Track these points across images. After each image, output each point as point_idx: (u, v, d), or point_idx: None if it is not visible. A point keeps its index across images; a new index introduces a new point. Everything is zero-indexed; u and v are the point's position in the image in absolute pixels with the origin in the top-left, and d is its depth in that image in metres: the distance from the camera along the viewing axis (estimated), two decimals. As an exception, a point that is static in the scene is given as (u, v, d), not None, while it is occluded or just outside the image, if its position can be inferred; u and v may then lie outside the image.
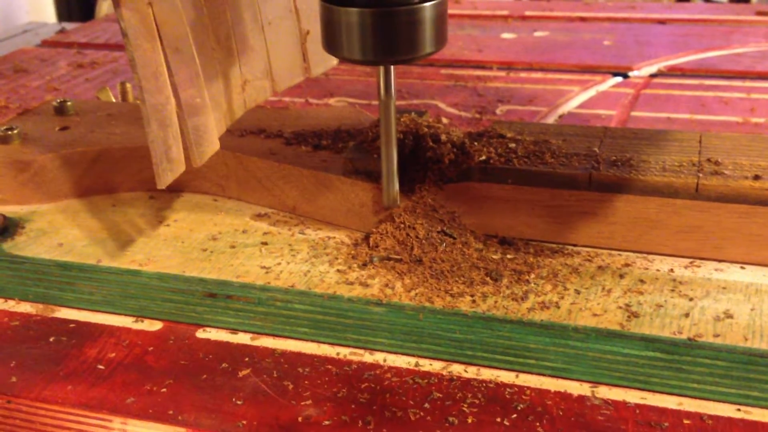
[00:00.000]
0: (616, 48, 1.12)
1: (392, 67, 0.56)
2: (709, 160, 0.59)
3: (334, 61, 0.68)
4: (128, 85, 0.85)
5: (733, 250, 0.57)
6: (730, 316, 0.52)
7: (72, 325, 0.54)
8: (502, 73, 1.04)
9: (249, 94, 0.60)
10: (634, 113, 0.89)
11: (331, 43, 0.54)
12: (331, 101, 0.96)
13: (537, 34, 1.21)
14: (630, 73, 1.02)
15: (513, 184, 0.60)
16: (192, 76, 0.54)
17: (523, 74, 1.04)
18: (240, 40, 0.59)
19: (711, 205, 0.56)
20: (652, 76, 1.02)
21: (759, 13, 1.27)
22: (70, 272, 0.60)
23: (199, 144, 0.55)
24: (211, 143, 0.56)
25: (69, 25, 1.41)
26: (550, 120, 0.88)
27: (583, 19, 1.28)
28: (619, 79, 1.01)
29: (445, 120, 0.86)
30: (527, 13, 1.32)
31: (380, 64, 0.55)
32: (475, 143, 0.63)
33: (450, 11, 1.34)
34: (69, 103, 0.77)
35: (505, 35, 1.20)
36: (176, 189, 0.71)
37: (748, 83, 0.97)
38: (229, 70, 0.58)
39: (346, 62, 0.56)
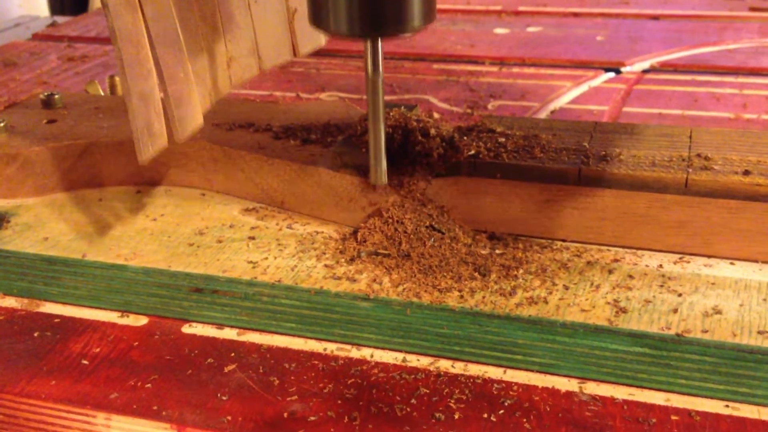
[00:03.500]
0: (608, 43, 1.11)
1: (380, 42, 0.55)
2: (698, 155, 0.59)
3: (322, 40, 0.67)
4: (117, 79, 0.84)
5: (722, 246, 0.57)
6: (719, 312, 0.51)
7: (57, 320, 0.54)
8: (495, 68, 1.03)
9: (235, 71, 0.59)
10: (626, 109, 0.89)
11: (317, 17, 0.53)
12: (322, 96, 0.95)
13: (530, 29, 1.20)
14: (622, 69, 1.02)
15: (502, 178, 0.59)
16: (175, 51, 0.53)
17: (515, 69, 1.03)
18: (226, 16, 0.58)
19: (700, 201, 0.56)
20: (645, 71, 1.02)
21: (752, 9, 1.26)
22: (55, 266, 0.59)
23: (181, 119, 0.54)
24: (193, 119, 0.55)
25: (61, 19, 1.40)
26: (542, 115, 0.87)
27: (576, 15, 1.27)
28: (612, 74, 1.01)
29: (436, 115, 0.86)
30: (520, 8, 1.32)
31: (367, 38, 0.54)
32: (465, 138, 0.62)
33: (443, 6, 1.34)
34: (56, 96, 0.76)
35: (498, 30, 1.20)
36: (163, 183, 0.71)
37: (741, 79, 0.97)
38: (214, 46, 0.57)
39: (333, 36, 0.55)
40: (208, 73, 0.57)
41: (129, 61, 0.52)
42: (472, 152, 0.60)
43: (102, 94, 0.83)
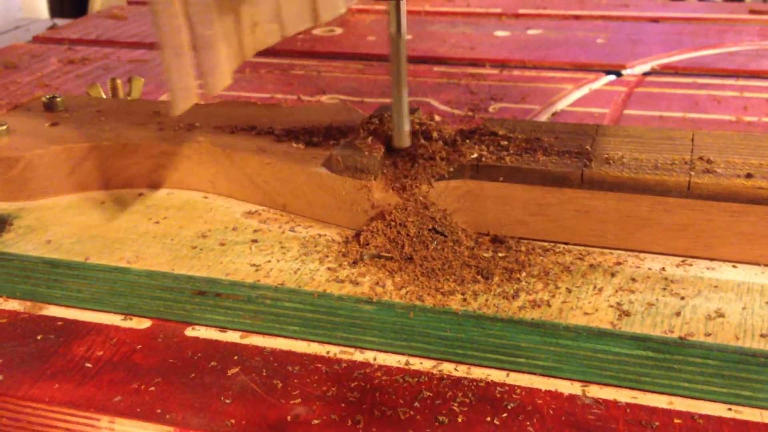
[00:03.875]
0: (609, 46, 1.12)
1: (403, 2, 0.56)
2: (701, 158, 0.59)
3: (343, 8, 0.69)
4: (118, 82, 0.84)
5: (724, 249, 0.57)
6: (722, 315, 0.51)
7: (60, 323, 0.54)
8: (495, 71, 1.03)
9: (258, 35, 0.62)
10: (626, 111, 0.89)
11: None
12: (324, 98, 0.96)
13: (530, 31, 1.20)
14: (623, 72, 1.02)
15: (505, 181, 0.59)
16: (205, 9, 0.55)
17: (516, 72, 1.04)
18: None
19: (703, 204, 0.56)
20: (645, 74, 1.02)
21: (752, 12, 1.26)
22: (58, 269, 0.59)
23: (211, 74, 0.56)
24: (222, 76, 0.57)
25: (61, 21, 1.40)
26: (543, 118, 0.87)
27: (576, 17, 1.27)
28: (612, 77, 1.01)
29: (437, 117, 0.86)
30: (521, 10, 1.32)
31: None
32: (467, 141, 0.62)
33: (443, 9, 1.34)
34: (58, 99, 0.76)
35: (499, 33, 1.20)
36: (166, 186, 0.71)
37: (741, 82, 0.97)
38: (239, 8, 0.60)
39: None
40: (235, 34, 0.59)
41: (162, 17, 0.54)
42: (475, 155, 0.60)
43: (104, 96, 0.83)
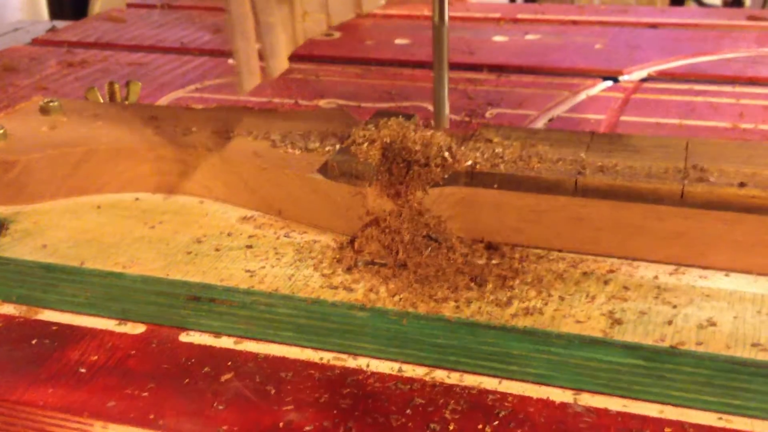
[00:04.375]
0: (607, 52, 1.12)
1: None
2: (694, 166, 0.59)
3: (382, 0, 0.73)
4: (116, 86, 0.84)
5: (717, 258, 0.57)
6: (714, 324, 0.52)
7: (54, 328, 0.54)
8: (493, 76, 1.03)
9: (308, 24, 0.71)
10: (623, 118, 0.89)
11: None
12: (321, 102, 0.96)
13: (528, 37, 1.21)
14: (620, 78, 1.02)
15: (499, 188, 0.60)
16: None
17: (513, 77, 1.04)
18: None
19: (696, 212, 0.56)
20: (643, 80, 1.02)
21: (750, 18, 1.27)
22: (54, 274, 0.60)
23: (272, 57, 0.62)
24: (281, 60, 0.63)
25: (61, 24, 1.40)
26: (540, 124, 0.88)
27: (575, 23, 1.28)
28: (610, 83, 1.01)
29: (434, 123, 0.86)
30: (519, 15, 1.32)
31: None
32: (462, 148, 0.63)
33: (442, 13, 1.34)
34: (55, 103, 0.76)
35: (497, 38, 1.20)
36: (162, 191, 0.71)
37: (738, 88, 0.97)
38: None
39: None
40: (290, 22, 0.65)
41: (232, 4, 0.61)
42: (469, 162, 0.61)
43: (101, 101, 0.83)
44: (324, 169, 0.63)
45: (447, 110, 0.73)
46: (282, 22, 0.64)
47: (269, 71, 0.63)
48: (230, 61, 1.14)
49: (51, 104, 0.76)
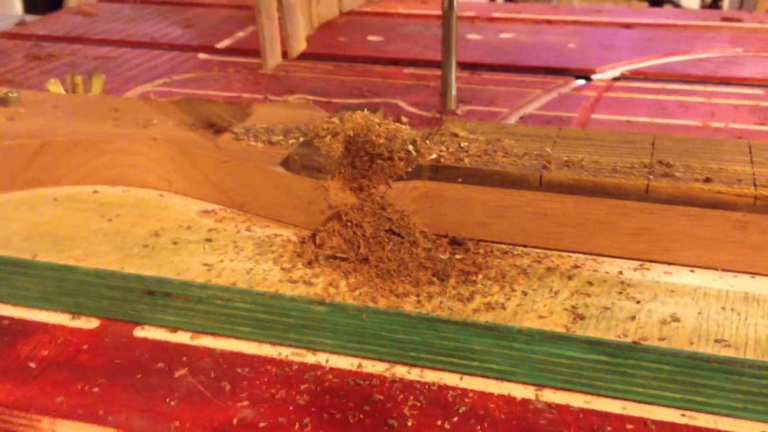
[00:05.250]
0: (580, 51, 1.11)
1: None
2: (660, 162, 0.59)
3: None
4: (78, 78, 0.83)
5: (682, 253, 0.56)
6: (677, 320, 0.51)
7: (6, 322, 0.53)
8: (465, 74, 1.03)
9: (321, 9, 0.75)
10: (594, 116, 0.88)
11: None
12: (291, 98, 0.95)
13: (503, 35, 1.20)
14: (593, 76, 1.02)
15: (463, 183, 0.59)
16: None
17: (486, 75, 1.03)
18: None
19: (661, 207, 0.55)
20: (615, 79, 1.01)
21: (724, 19, 1.27)
22: (5, 266, 0.58)
23: (293, 38, 0.66)
24: (300, 41, 0.67)
25: (31, 18, 1.38)
26: (511, 121, 0.87)
27: (549, 22, 1.27)
28: (582, 81, 1.01)
29: (404, 119, 0.85)
30: (494, 14, 1.32)
31: None
32: (427, 141, 0.62)
33: (416, 11, 1.33)
34: (15, 94, 0.75)
35: (471, 36, 1.20)
36: (121, 184, 0.69)
37: (710, 88, 0.97)
38: None
39: None
40: (307, 5, 0.72)
41: None
42: (434, 156, 0.60)
43: (63, 92, 0.82)
44: (286, 163, 0.62)
45: (454, 92, 0.80)
46: (300, 5, 0.68)
47: (290, 51, 0.67)
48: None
49: (10, 95, 0.74)
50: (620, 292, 0.54)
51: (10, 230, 0.63)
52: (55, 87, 0.81)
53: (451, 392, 0.46)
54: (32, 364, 0.48)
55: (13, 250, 0.60)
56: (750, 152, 0.60)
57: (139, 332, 0.51)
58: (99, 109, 0.74)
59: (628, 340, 0.49)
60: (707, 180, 0.56)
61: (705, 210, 0.55)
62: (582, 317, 0.51)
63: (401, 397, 0.45)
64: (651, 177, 0.56)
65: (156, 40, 1.18)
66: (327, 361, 0.48)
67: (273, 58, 0.65)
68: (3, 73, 1.04)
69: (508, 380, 0.47)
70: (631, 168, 0.58)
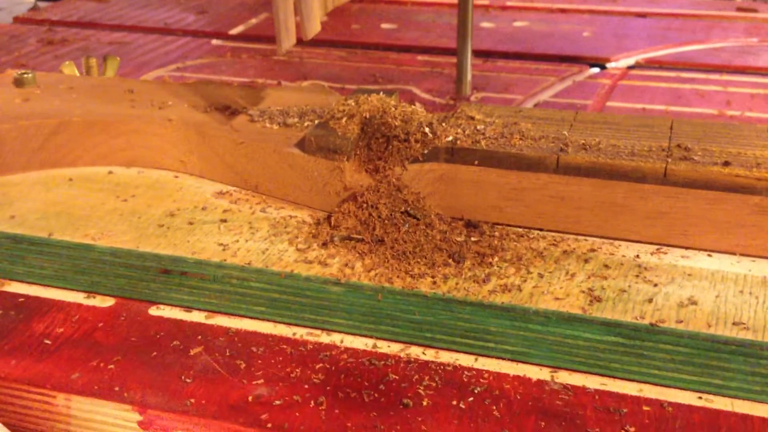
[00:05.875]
0: (595, 39, 1.11)
1: None
2: (679, 145, 0.58)
3: None
4: (93, 60, 0.83)
5: (700, 238, 0.56)
6: (695, 303, 0.51)
7: (21, 300, 0.53)
8: (479, 61, 1.02)
9: None
10: (609, 103, 0.88)
11: None
12: (304, 84, 0.94)
13: (516, 23, 1.20)
14: (608, 65, 1.01)
15: (479, 165, 0.58)
16: None
17: (500, 63, 1.03)
18: None
19: (679, 191, 0.55)
20: (630, 67, 1.01)
21: (740, 9, 1.26)
22: (21, 245, 0.58)
23: (308, 20, 0.65)
24: (315, 22, 0.66)
25: (44, 3, 1.38)
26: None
27: (563, 11, 1.27)
28: (597, 69, 1.00)
29: (417, 104, 0.85)
30: (508, 3, 1.31)
31: None
32: (443, 124, 0.61)
33: (430, 0, 1.33)
34: (29, 75, 0.75)
35: (485, 24, 1.19)
36: (137, 165, 0.69)
37: (726, 77, 0.96)
38: None
39: None
40: None
41: None
42: (450, 138, 0.59)
43: (77, 74, 0.82)
44: (301, 144, 0.62)
45: (469, 77, 0.81)
46: None
47: (304, 32, 0.66)
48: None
49: (25, 76, 0.74)
50: (637, 275, 0.53)
51: (25, 209, 0.63)
52: (69, 69, 0.81)
53: (466, 373, 0.46)
54: (48, 341, 0.49)
55: (28, 229, 0.60)
56: (769, 137, 0.60)
57: (155, 311, 0.51)
58: (114, 91, 0.74)
59: (645, 322, 0.49)
60: (726, 164, 0.55)
61: (723, 194, 0.54)
62: (599, 299, 0.51)
63: (416, 377, 0.45)
64: (669, 160, 0.56)
65: (169, 26, 1.18)
66: (342, 342, 0.48)
67: (288, 40, 0.65)
68: (17, 57, 1.04)
69: (524, 362, 0.46)
70: (649, 151, 0.57)
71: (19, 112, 0.69)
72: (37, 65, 1.00)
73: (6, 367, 0.46)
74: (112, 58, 0.84)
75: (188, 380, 0.45)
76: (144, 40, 1.12)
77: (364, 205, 0.58)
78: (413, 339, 0.48)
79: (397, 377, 0.45)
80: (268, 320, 0.50)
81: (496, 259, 0.55)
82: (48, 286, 0.54)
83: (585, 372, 0.45)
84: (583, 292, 0.52)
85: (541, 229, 0.59)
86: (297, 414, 0.43)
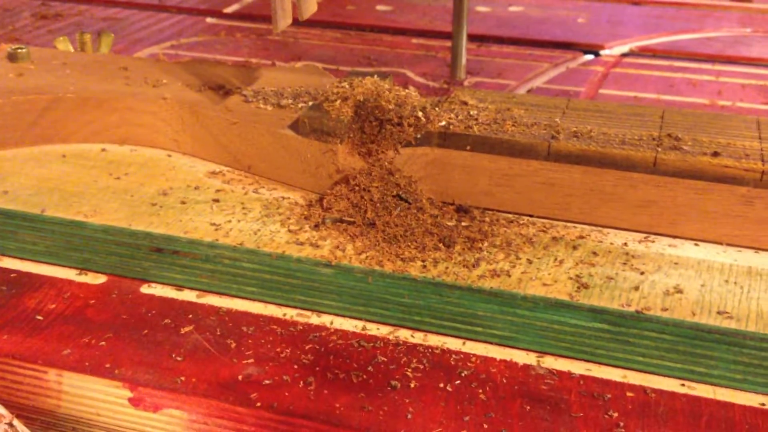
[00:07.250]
0: (589, 26, 1.11)
1: None
2: (669, 135, 0.59)
3: None
4: (87, 36, 0.82)
5: (688, 227, 0.57)
6: (680, 291, 0.51)
7: (13, 275, 0.53)
8: (473, 46, 1.02)
9: None
10: (602, 91, 0.88)
11: None
12: (299, 65, 0.94)
13: (512, 8, 1.20)
14: (601, 52, 1.02)
15: (471, 150, 0.59)
16: None
17: (494, 47, 1.03)
18: None
19: (668, 180, 0.56)
20: (623, 55, 1.01)
21: (734, -1, 1.26)
22: (14, 220, 0.58)
23: (304, 0, 0.65)
24: (311, 2, 0.66)
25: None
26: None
27: (558, -3, 1.27)
28: (590, 56, 1.00)
29: (411, 88, 0.85)
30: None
31: None
32: (437, 108, 0.62)
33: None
34: (23, 50, 0.75)
35: (480, 8, 1.19)
36: (129, 143, 0.69)
37: (718, 66, 0.97)
38: None
39: None
40: None
41: None
42: (443, 123, 0.60)
43: (71, 50, 0.81)
44: (295, 126, 0.62)
45: (464, 60, 0.81)
46: None
47: (300, 12, 0.66)
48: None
49: (19, 51, 0.74)
50: (624, 263, 0.54)
51: (18, 184, 0.63)
52: (63, 44, 0.80)
53: (453, 356, 0.46)
54: (39, 317, 0.49)
55: (21, 205, 0.60)
56: (758, 128, 0.60)
57: (146, 289, 0.52)
58: (109, 68, 0.74)
59: (631, 309, 0.50)
60: (715, 154, 0.56)
61: (712, 184, 0.55)
62: (586, 286, 0.52)
63: (404, 359, 0.46)
64: (659, 150, 0.56)
65: (163, 3, 1.18)
66: (332, 323, 0.49)
67: (284, 19, 0.64)
68: (10, 31, 1.03)
69: (511, 346, 0.47)
70: (639, 140, 0.58)
71: (12, 87, 0.69)
72: (31, 39, 1.00)
73: (-3, 342, 0.47)
74: (106, 34, 0.84)
75: (179, 358, 0.46)
76: (138, 17, 1.12)
77: (357, 188, 0.58)
78: (402, 322, 0.49)
79: (385, 359, 0.46)
80: (259, 300, 0.51)
81: (485, 244, 0.56)
82: (40, 262, 0.54)
83: (571, 357, 0.46)
84: (571, 278, 0.53)
85: (530, 216, 0.60)
86: (286, 393, 0.43)
